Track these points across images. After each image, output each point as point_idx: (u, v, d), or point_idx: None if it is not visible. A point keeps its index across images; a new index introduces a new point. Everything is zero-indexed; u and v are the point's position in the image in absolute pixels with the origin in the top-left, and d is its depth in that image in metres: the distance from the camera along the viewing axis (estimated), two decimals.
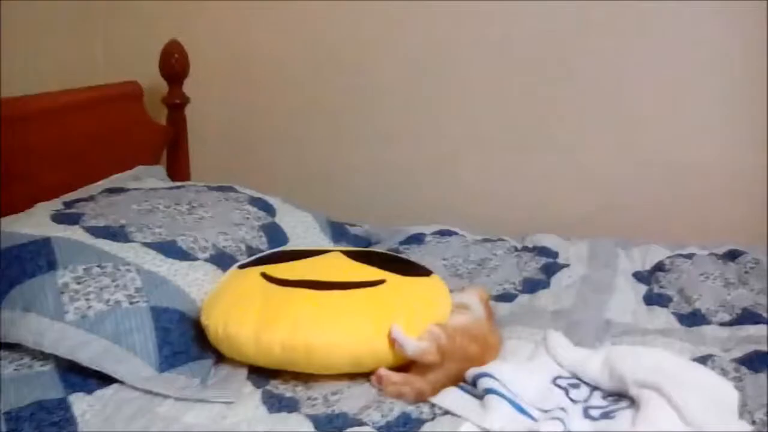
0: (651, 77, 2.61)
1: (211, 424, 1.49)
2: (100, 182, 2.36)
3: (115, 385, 1.59)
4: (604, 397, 1.59)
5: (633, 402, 1.53)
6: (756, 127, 2.55)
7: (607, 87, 2.65)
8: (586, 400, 1.57)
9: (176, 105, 2.81)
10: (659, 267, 2.29)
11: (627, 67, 2.62)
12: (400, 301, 1.71)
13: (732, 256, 2.33)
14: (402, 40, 2.77)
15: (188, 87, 2.81)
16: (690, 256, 2.33)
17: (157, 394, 1.56)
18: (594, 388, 1.61)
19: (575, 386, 1.61)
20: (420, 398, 1.55)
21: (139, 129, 2.68)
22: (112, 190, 2.25)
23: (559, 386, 1.59)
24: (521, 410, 1.48)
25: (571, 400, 1.56)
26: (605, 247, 2.40)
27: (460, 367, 1.60)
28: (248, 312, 1.67)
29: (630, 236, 2.52)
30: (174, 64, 2.74)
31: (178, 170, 2.81)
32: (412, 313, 1.68)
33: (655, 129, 2.65)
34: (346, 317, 1.65)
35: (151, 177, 2.56)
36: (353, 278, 1.75)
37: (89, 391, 1.58)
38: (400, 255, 2.19)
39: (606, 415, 1.51)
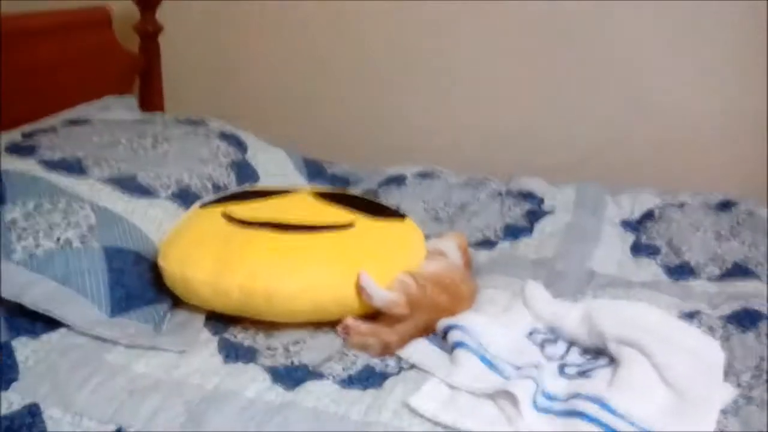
0: (650, 20, 2.48)
1: (162, 373, 1.40)
2: (64, 112, 2.23)
3: (62, 330, 1.50)
4: (581, 354, 1.50)
5: (612, 360, 1.44)
6: (757, 73, 2.42)
7: (604, 28, 2.52)
8: (562, 357, 1.48)
9: (149, 33, 2.67)
10: (648, 216, 2.17)
11: (625, 9, 2.48)
12: (369, 246, 1.61)
13: (725, 206, 2.21)
14: None
15: (163, 15, 2.66)
16: (681, 206, 2.21)
17: (106, 341, 1.47)
18: (572, 343, 1.52)
19: (551, 341, 1.52)
20: (387, 351, 1.46)
21: (108, 57, 2.55)
22: (75, 122, 2.13)
23: (534, 341, 1.50)
24: (492, 366, 1.39)
25: (547, 356, 1.47)
26: (593, 193, 2.28)
27: (430, 318, 1.51)
28: (206, 254, 1.57)
29: (621, 182, 2.40)
30: None
31: (151, 102, 2.68)
32: (382, 259, 1.59)
33: (651, 73, 2.52)
34: (309, 261, 1.56)
35: (121, 108, 2.43)
36: (320, 220, 1.64)
37: (34, 336, 1.48)
38: (373, 198, 2.07)
39: (582, 374, 1.42)
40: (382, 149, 2.72)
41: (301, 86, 2.80)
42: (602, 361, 1.46)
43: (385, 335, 1.48)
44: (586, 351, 1.50)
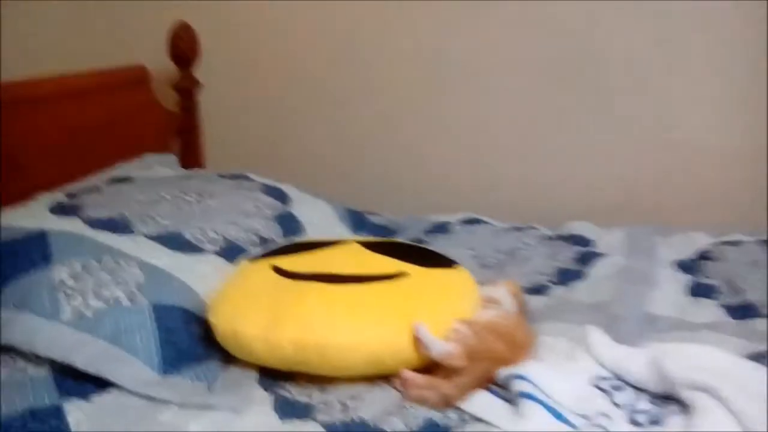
0: (678, 64, 2.46)
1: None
2: (105, 172, 2.22)
3: (113, 391, 1.46)
4: (650, 401, 1.43)
5: (683, 406, 1.38)
6: None
7: (634, 71, 2.50)
8: (631, 404, 1.42)
9: (187, 90, 2.67)
10: (703, 255, 2.12)
11: (653, 53, 2.47)
12: (423, 296, 1.57)
13: None
14: (418, 25, 2.63)
15: (202, 73, 2.67)
16: (736, 243, 2.16)
17: (159, 401, 1.43)
18: (639, 390, 1.46)
19: (618, 388, 1.45)
20: (446, 403, 1.41)
21: (147, 115, 2.56)
22: (117, 180, 2.12)
23: (600, 388, 1.44)
24: (559, 417, 1.33)
25: (615, 404, 1.41)
26: (643, 235, 2.24)
27: (489, 367, 1.46)
28: (258, 308, 1.54)
29: (665, 224, 2.34)
30: (182, 46, 2.60)
31: (191, 159, 2.68)
32: (436, 308, 1.54)
33: (685, 115, 2.50)
34: (362, 313, 1.51)
35: (162, 166, 2.42)
36: (371, 271, 1.60)
37: (85, 397, 1.44)
38: (422, 245, 2.03)
39: (654, 421, 1.36)
40: (417, 202, 2.69)
41: (339, 139, 2.79)
42: (672, 407, 1.40)
43: (443, 388, 1.43)
44: (655, 398, 1.44)
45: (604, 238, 2.23)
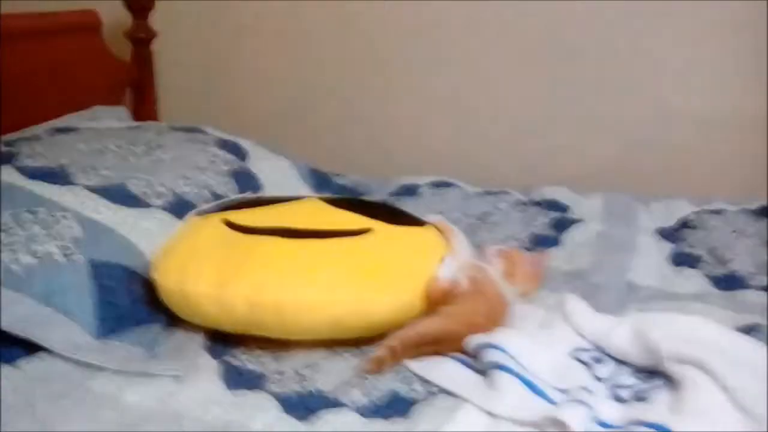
0: (670, 24, 2.34)
1: (155, 403, 1.22)
2: (48, 123, 2.05)
3: (42, 355, 1.32)
4: (634, 375, 1.31)
5: (670, 381, 1.27)
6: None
7: (623, 31, 2.37)
8: (612, 378, 1.30)
9: (141, 39, 2.51)
10: (685, 223, 2.01)
11: (642, 21, 2.35)
12: (391, 253, 1.44)
13: (765, 212, 2.04)
14: None
15: (156, 21, 2.50)
16: (719, 212, 2.06)
17: (92, 366, 1.29)
18: (621, 362, 1.34)
19: (599, 361, 1.33)
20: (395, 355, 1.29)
21: (97, 65, 2.38)
22: (60, 129, 1.95)
23: (580, 360, 1.32)
24: (536, 390, 1.21)
25: (596, 378, 1.29)
26: (622, 201, 2.13)
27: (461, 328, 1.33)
28: (207, 264, 1.41)
29: (645, 191, 2.22)
30: None
31: (144, 113, 2.51)
32: (403, 266, 1.42)
33: (673, 77, 2.37)
34: (324, 270, 1.39)
35: (112, 118, 2.26)
36: (334, 226, 1.47)
37: (11, 362, 1.30)
38: (390, 204, 1.89)
39: (638, 397, 1.24)
40: (388, 161, 2.55)
41: (305, 95, 2.63)
42: (658, 381, 1.28)
43: (391, 340, 1.30)
44: (638, 371, 1.32)
45: (581, 204, 2.11)
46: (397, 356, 1.30)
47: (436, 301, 1.39)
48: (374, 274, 1.38)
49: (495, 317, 1.38)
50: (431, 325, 1.34)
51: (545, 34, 2.42)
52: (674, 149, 2.40)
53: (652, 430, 1.11)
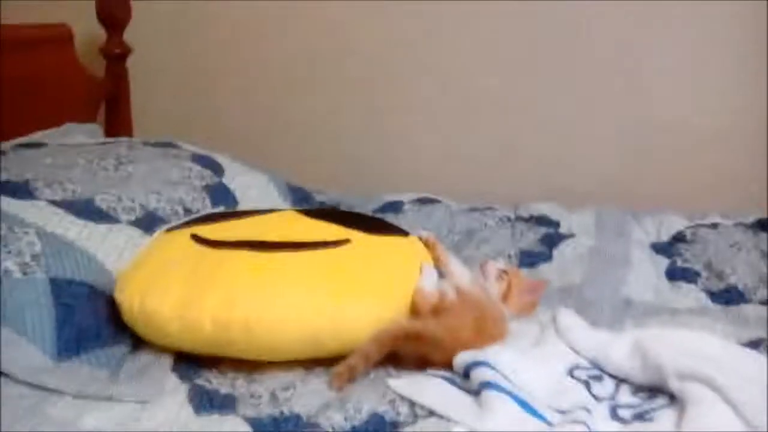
0: (656, 37, 2.29)
1: (116, 429, 1.12)
2: (16, 140, 1.96)
3: None
4: (634, 393, 1.23)
5: (671, 399, 1.18)
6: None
7: (613, 46, 2.32)
8: (612, 397, 1.21)
9: (116, 55, 2.43)
10: (679, 237, 1.95)
11: (636, 33, 2.30)
12: (368, 264, 1.36)
13: (762, 226, 1.97)
14: None
15: (130, 36, 2.41)
16: (714, 226, 1.98)
17: (51, 391, 1.19)
18: (620, 380, 1.25)
19: (597, 378, 1.25)
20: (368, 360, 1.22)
21: (69, 79, 2.29)
22: (27, 145, 1.86)
23: (577, 379, 1.23)
24: (531, 410, 1.12)
25: (594, 396, 1.20)
26: (614, 216, 2.05)
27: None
28: (172, 282, 1.31)
29: (639, 205, 2.15)
30: (111, 8, 2.35)
31: (118, 129, 2.42)
32: (383, 278, 1.34)
33: (669, 90, 2.32)
34: (297, 284, 1.30)
35: (84, 135, 2.16)
36: (309, 238, 1.38)
37: None
38: (371, 215, 1.80)
39: (640, 417, 1.16)
40: (371, 178, 2.47)
41: (283, 110, 2.55)
42: (661, 400, 1.20)
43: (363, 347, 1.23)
44: (639, 389, 1.24)
45: (571, 219, 2.04)
46: (368, 362, 1.23)
47: (423, 315, 1.30)
48: (352, 287, 1.30)
49: (485, 330, 1.29)
50: (415, 323, 1.27)
51: (535, 47, 2.36)
52: (669, 162, 2.34)
53: None
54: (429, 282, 1.35)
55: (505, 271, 1.47)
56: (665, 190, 2.32)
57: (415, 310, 1.31)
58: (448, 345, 1.24)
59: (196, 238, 1.40)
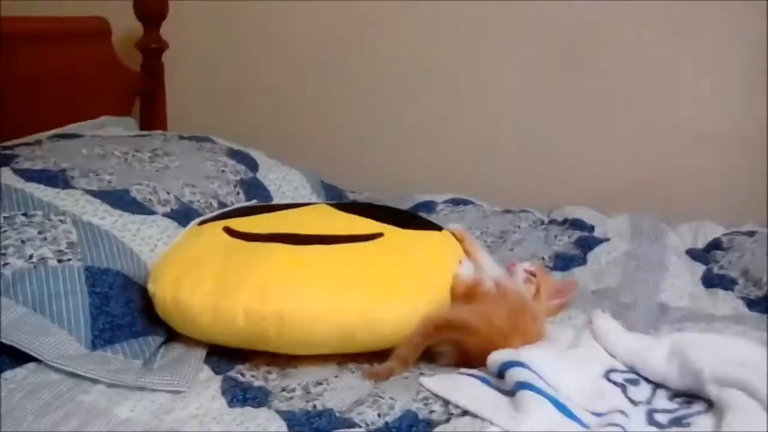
0: (683, 50, 2.26)
1: (151, 419, 1.12)
2: (52, 130, 1.97)
3: (30, 365, 1.22)
4: (670, 398, 1.21)
5: (709, 405, 1.16)
6: None
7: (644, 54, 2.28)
8: (648, 401, 1.19)
9: (152, 50, 2.44)
10: (716, 245, 1.92)
11: (657, 36, 2.26)
12: (402, 259, 1.34)
13: None
14: None
15: (167, 31, 2.42)
16: (751, 234, 1.95)
17: (84, 378, 1.19)
18: (657, 385, 1.23)
19: (634, 382, 1.23)
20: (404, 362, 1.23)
21: (106, 73, 2.30)
22: (64, 136, 1.87)
23: (614, 382, 1.21)
24: (567, 413, 1.10)
25: (630, 400, 1.18)
26: (649, 222, 2.03)
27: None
28: (205, 274, 1.30)
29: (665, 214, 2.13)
30: (149, 3, 2.36)
31: (153, 123, 2.43)
32: (419, 273, 1.32)
33: (693, 97, 2.28)
34: (330, 277, 1.28)
35: (119, 128, 2.18)
36: (342, 231, 1.37)
37: None
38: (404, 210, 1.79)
39: (677, 422, 1.14)
40: (402, 181, 2.45)
41: (317, 111, 2.54)
42: (698, 406, 1.18)
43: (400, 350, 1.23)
44: (676, 395, 1.22)
45: (606, 224, 2.02)
46: (406, 365, 1.23)
47: (458, 296, 1.30)
48: (384, 282, 1.28)
49: (521, 324, 1.28)
50: (455, 312, 1.26)
51: (560, 62, 2.33)
52: (694, 170, 2.30)
53: None
54: (466, 270, 1.35)
55: (533, 273, 1.45)
56: (691, 199, 2.28)
57: (452, 294, 1.31)
58: (482, 331, 1.23)
59: (230, 231, 1.39)
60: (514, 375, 1.15)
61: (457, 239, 1.48)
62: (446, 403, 1.16)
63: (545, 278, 1.48)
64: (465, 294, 1.31)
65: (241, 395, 1.19)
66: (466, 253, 1.45)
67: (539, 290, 1.43)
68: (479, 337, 1.23)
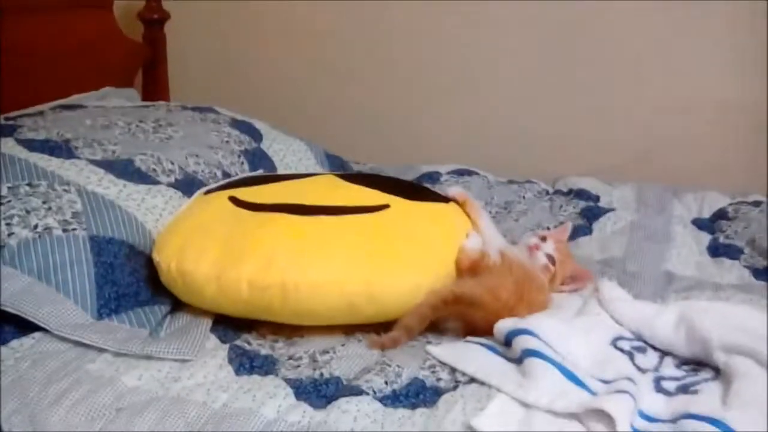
0: (690, 22, 2.23)
1: (158, 388, 1.13)
2: (55, 102, 1.96)
3: (36, 335, 1.22)
4: (678, 365, 1.21)
5: (717, 372, 1.16)
6: None
7: (641, 29, 2.27)
8: (656, 369, 1.19)
9: (154, 20, 2.42)
10: (721, 215, 1.91)
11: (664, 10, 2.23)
12: (408, 230, 1.33)
13: None
14: None
15: (169, 2, 2.42)
16: (757, 204, 1.94)
17: (90, 347, 1.19)
18: (664, 353, 1.23)
19: (641, 350, 1.23)
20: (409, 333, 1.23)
21: (107, 44, 2.28)
22: (66, 107, 1.86)
23: (621, 349, 1.21)
24: (575, 380, 1.10)
25: (638, 367, 1.18)
26: (655, 192, 2.02)
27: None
28: (209, 243, 1.30)
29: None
30: None
31: (155, 94, 2.42)
32: (425, 244, 1.31)
33: (689, 69, 2.27)
34: (336, 248, 1.28)
35: (121, 99, 2.16)
36: (348, 202, 1.37)
37: (3, 342, 1.21)
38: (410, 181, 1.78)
39: (684, 389, 1.14)
40: (408, 152, 2.44)
41: (319, 84, 2.53)
42: (705, 374, 1.18)
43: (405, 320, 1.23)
44: (683, 362, 1.22)
45: (611, 194, 2.01)
46: (411, 334, 1.24)
47: (463, 270, 1.30)
48: (390, 253, 1.28)
49: (526, 295, 1.27)
50: (453, 287, 1.26)
51: (563, 33, 2.32)
52: (692, 142, 2.29)
53: (704, 423, 1.00)
54: (473, 243, 1.34)
55: (552, 260, 1.42)
56: (691, 170, 2.27)
57: (457, 268, 1.30)
58: (488, 304, 1.23)
59: (235, 201, 1.39)
60: (521, 342, 1.15)
61: (459, 204, 1.47)
62: (453, 370, 1.16)
63: (564, 264, 1.43)
64: (470, 267, 1.30)
65: (247, 364, 1.19)
66: (469, 218, 1.44)
67: (554, 280, 1.41)
68: (486, 311, 1.23)
